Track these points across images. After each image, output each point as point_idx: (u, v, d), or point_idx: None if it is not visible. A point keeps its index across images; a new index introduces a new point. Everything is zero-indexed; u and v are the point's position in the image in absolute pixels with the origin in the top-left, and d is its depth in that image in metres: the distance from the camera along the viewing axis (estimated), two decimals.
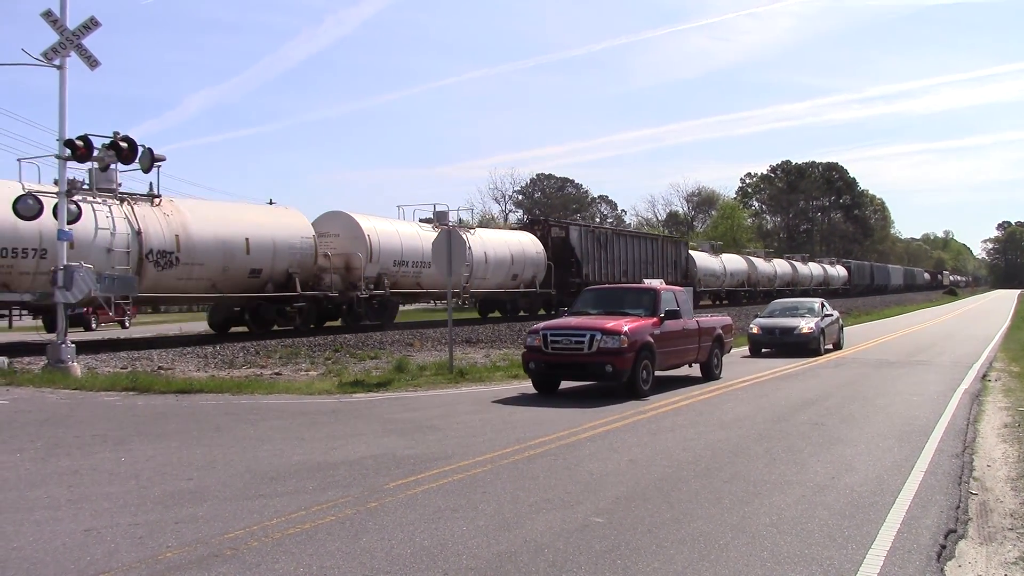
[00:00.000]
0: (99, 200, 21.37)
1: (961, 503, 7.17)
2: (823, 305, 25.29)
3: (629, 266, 44.18)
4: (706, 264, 56.53)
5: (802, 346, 22.73)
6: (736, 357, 21.86)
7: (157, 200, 23.64)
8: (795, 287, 69.98)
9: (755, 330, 23.69)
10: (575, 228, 42.43)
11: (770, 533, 6.20)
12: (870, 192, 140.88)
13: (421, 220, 34.17)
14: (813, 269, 79.13)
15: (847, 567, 5.49)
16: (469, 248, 30.27)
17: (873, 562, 5.57)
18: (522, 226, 46.47)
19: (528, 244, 38.38)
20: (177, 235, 23.66)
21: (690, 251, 55.15)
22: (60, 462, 8.78)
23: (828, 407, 13.03)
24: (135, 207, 22.79)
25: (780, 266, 72.00)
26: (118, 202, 22.28)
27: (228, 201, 32.57)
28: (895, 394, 14.56)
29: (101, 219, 21.32)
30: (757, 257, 68.83)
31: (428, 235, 29.35)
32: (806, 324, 23.16)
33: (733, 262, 62.02)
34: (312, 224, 29.59)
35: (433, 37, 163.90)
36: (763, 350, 23.42)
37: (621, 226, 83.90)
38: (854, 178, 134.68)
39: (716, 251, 61.52)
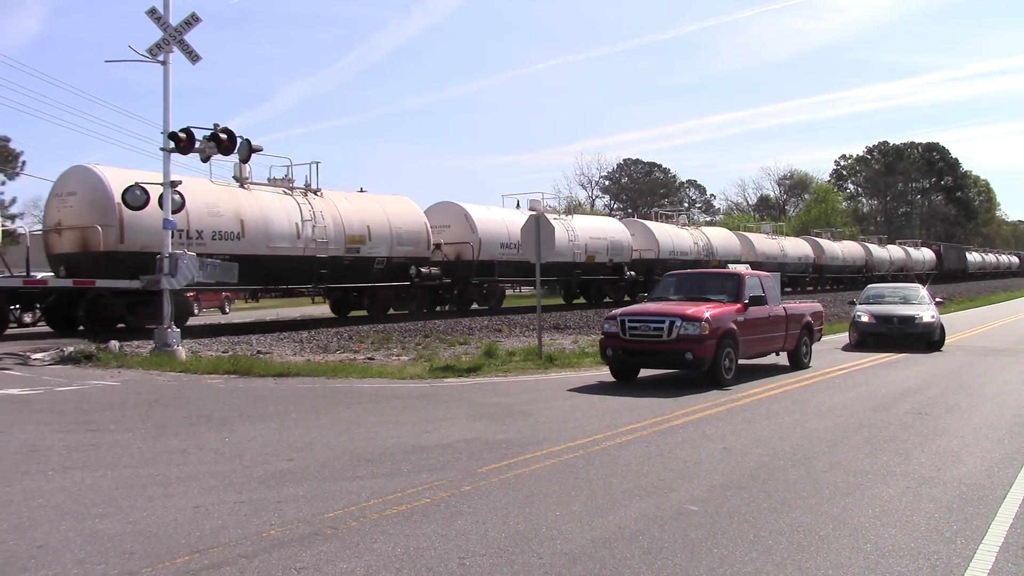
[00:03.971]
0: None
1: None
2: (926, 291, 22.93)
3: (960, 262, 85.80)
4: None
5: (923, 338, 20.08)
6: (826, 347, 21.29)
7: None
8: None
9: (865, 318, 20.84)
10: (941, 244, 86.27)
11: (873, 525, 6.03)
12: (973, 173, 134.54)
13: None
14: (999, 257, 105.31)
15: (956, 562, 5.29)
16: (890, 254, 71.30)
17: (984, 558, 5.35)
18: (923, 243, 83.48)
19: (930, 253, 79.51)
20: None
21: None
22: (169, 441, 9.17)
23: (931, 396, 12.56)
24: None
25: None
26: None
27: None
28: (1003, 383, 13.94)
29: None
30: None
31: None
32: (927, 312, 20.51)
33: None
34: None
35: (520, 24, 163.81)
36: (865, 341, 20.85)
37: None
38: (956, 159, 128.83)
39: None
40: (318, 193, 26.77)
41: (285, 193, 25.66)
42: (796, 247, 58.03)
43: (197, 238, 22.02)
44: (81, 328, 21.45)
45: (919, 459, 8.26)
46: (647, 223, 44.09)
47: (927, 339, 20.10)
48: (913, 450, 8.69)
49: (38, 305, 22.93)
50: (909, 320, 20.48)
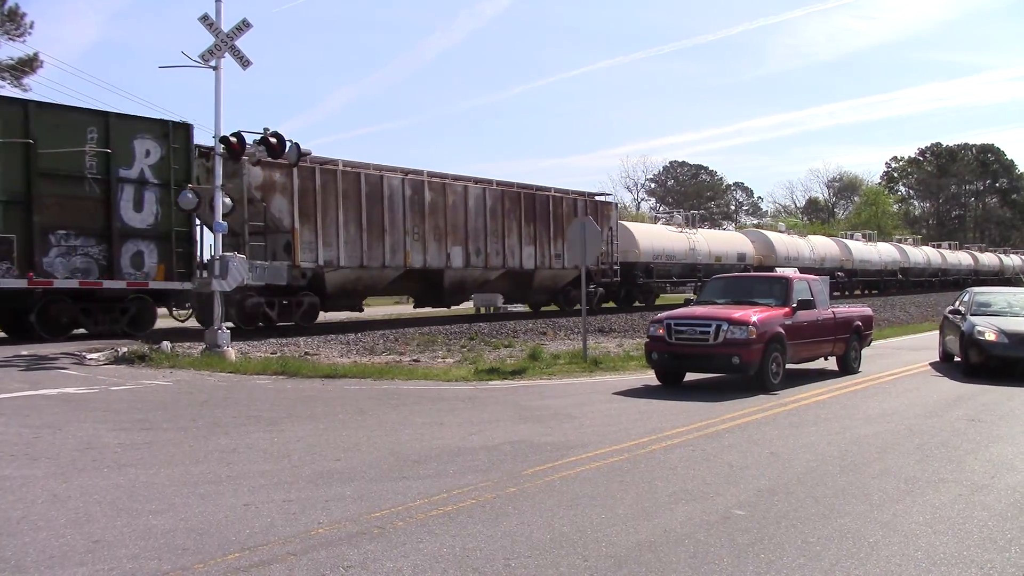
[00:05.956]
0: None
1: None
2: None
3: None
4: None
5: None
6: (876, 352, 20.89)
7: None
8: None
9: (991, 336, 15.15)
10: None
11: (924, 532, 5.93)
12: None
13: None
14: None
15: (1010, 571, 5.19)
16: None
17: None
18: None
19: None
20: None
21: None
22: (219, 440, 9.35)
23: (985, 403, 12.29)
24: None
25: None
26: None
27: None
28: None
29: None
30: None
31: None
32: None
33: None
34: None
35: (566, 27, 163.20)
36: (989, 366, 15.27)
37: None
38: (1011, 160, 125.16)
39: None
40: None
41: None
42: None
43: None
44: None
45: (972, 466, 8.10)
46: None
47: None
48: (966, 457, 8.52)
49: None
50: None
